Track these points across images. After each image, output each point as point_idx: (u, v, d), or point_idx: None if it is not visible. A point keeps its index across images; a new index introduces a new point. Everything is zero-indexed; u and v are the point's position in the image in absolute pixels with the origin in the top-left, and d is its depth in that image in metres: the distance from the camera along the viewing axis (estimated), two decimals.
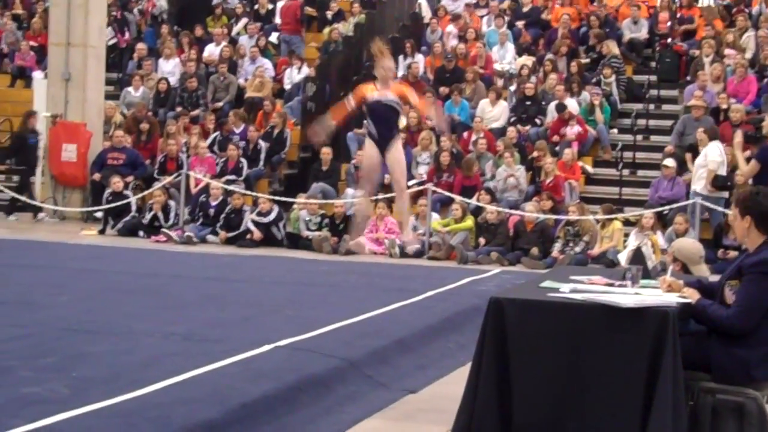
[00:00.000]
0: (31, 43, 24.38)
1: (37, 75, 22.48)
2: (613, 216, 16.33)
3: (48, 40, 21.02)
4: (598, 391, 5.74)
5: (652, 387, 5.62)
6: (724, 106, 18.67)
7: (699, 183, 16.65)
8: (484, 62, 21.80)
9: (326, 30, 24.21)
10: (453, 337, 9.81)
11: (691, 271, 7.96)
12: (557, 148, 18.74)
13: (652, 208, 16.51)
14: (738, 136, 16.54)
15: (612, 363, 5.73)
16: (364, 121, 17.60)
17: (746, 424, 5.77)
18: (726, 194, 16.66)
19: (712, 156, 16.61)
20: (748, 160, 15.69)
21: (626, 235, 15.98)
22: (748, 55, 20.78)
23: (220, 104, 21.78)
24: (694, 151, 17.95)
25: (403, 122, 13.58)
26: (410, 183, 18.11)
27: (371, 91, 11.97)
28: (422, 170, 18.51)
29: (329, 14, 25.10)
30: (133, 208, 18.37)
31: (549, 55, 21.55)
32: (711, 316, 5.91)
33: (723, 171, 16.69)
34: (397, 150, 12.95)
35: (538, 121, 19.88)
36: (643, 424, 5.61)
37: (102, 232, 18.05)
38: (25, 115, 20.19)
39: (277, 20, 24.92)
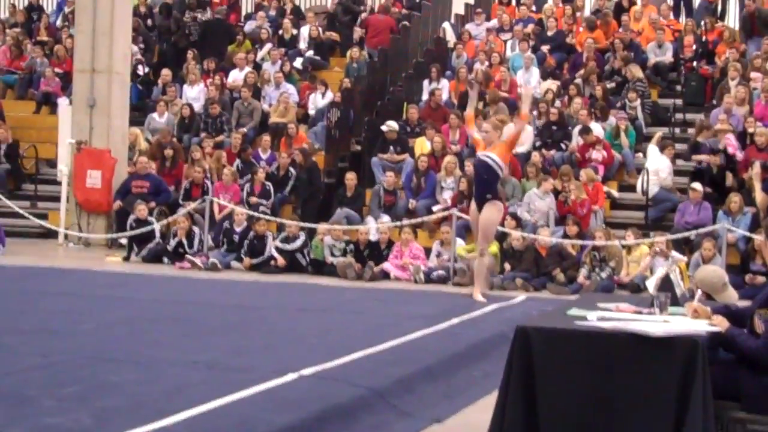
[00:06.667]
0: (56, 69, 24.49)
1: (62, 101, 22.54)
2: (640, 241, 16.18)
3: (73, 66, 21.09)
4: (626, 421, 5.67)
5: (681, 417, 5.55)
6: (751, 130, 18.55)
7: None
8: (509, 86, 21.76)
9: (349, 52, 24.23)
10: (479, 365, 9.73)
11: (716, 300, 7.86)
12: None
13: (679, 233, 16.39)
14: (756, 167, 16.46)
15: (641, 392, 5.67)
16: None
17: None
18: None
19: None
20: None
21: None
22: None
23: (245, 130, 21.79)
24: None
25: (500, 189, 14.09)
26: (435, 208, 18.12)
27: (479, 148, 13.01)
28: (447, 195, 18.43)
29: (355, 37, 25.18)
30: (157, 234, 18.33)
31: (577, 80, 21.50)
32: (741, 346, 5.83)
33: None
34: (487, 212, 13.29)
35: (563, 145, 19.79)
36: None
37: (127, 258, 18.02)
38: None
39: (301, 45, 25.01)
